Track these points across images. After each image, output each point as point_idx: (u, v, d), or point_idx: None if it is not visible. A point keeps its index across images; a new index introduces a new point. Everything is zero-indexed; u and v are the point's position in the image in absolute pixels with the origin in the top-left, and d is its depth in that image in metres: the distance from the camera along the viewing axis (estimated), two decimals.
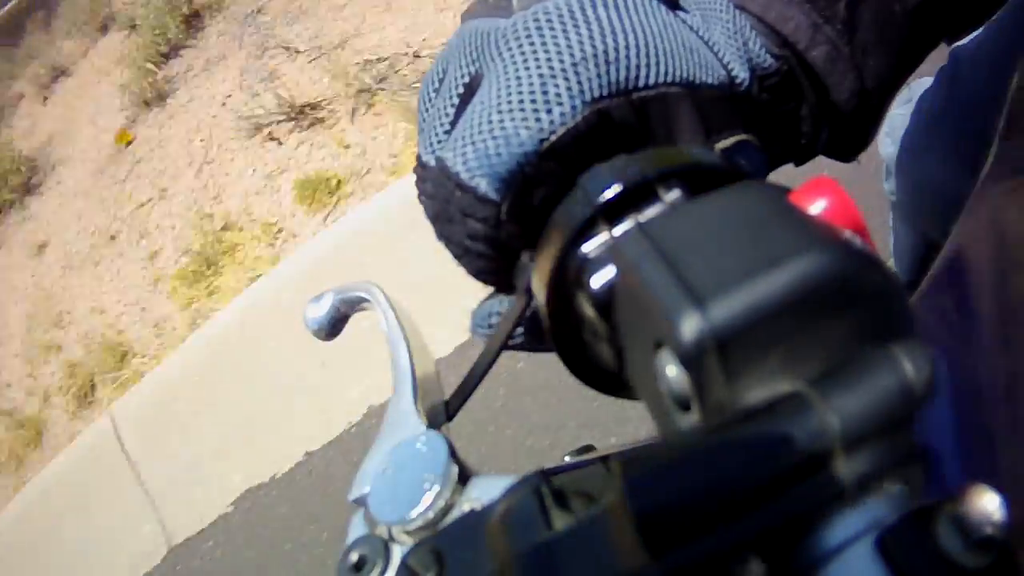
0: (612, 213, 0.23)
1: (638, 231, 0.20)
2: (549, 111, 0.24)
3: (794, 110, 0.30)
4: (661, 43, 0.26)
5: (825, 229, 0.18)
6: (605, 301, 0.23)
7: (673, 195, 0.23)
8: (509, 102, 0.25)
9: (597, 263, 0.23)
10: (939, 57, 0.76)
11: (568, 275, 0.24)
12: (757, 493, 0.16)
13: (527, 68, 0.25)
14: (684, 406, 0.18)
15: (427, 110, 0.30)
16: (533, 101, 0.24)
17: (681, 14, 0.29)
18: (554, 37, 0.25)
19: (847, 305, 0.17)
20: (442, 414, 0.25)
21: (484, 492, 0.21)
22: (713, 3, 0.29)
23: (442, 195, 0.26)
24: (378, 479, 0.22)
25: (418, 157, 0.29)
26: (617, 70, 0.25)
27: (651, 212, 0.23)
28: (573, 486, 0.20)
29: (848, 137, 0.33)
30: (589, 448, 0.31)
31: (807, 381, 0.17)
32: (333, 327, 0.29)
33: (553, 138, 0.24)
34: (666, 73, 0.25)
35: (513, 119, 0.24)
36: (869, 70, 0.31)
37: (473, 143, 0.25)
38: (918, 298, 0.41)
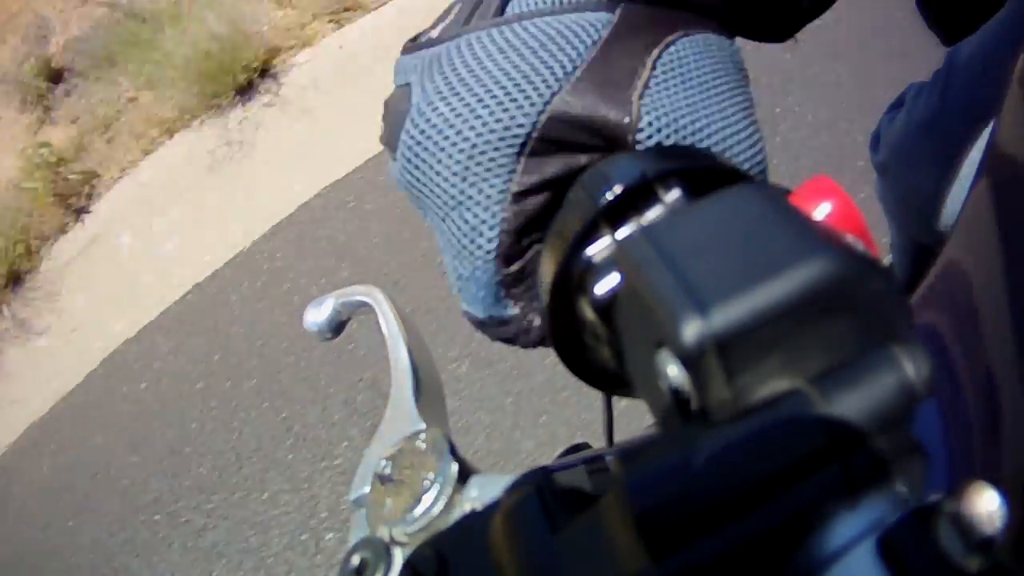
0: (614, 215, 0.24)
1: (641, 235, 0.20)
2: None
3: None
4: None
5: (827, 233, 0.18)
6: (607, 306, 0.23)
7: (673, 195, 0.23)
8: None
9: (601, 269, 0.23)
10: (935, 64, 0.76)
11: (571, 278, 0.24)
12: (758, 492, 0.16)
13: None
14: (684, 405, 0.18)
15: None
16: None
17: None
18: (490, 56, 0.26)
19: (848, 308, 0.17)
20: (442, 412, 0.25)
21: (484, 491, 0.21)
22: None
23: None
24: (378, 478, 0.22)
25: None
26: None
27: (652, 214, 0.23)
28: (573, 484, 0.20)
29: None
30: (583, 446, 0.31)
31: (807, 380, 0.17)
32: (334, 330, 0.29)
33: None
34: None
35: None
36: None
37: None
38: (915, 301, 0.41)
